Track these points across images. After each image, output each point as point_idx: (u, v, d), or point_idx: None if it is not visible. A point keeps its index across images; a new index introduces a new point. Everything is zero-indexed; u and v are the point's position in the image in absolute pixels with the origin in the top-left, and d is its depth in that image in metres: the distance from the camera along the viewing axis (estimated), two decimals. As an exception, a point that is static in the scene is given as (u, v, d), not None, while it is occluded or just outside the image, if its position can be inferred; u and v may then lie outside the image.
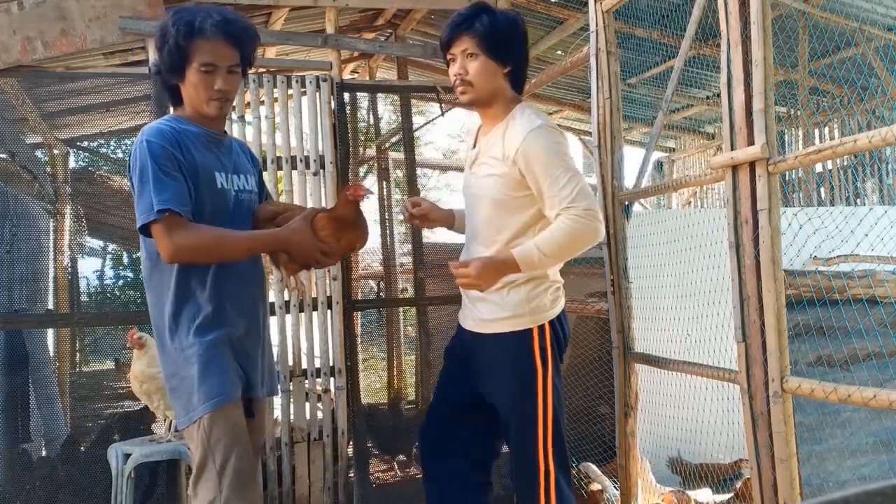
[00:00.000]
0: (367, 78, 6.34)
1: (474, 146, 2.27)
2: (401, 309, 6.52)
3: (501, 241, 2.16)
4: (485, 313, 2.20)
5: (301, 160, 3.78)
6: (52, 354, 4.94)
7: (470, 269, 2.02)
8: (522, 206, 2.13)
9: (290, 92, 3.82)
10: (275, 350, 3.68)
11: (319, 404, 3.74)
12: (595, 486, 3.36)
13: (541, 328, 2.15)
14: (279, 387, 3.70)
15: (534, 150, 2.05)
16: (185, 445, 3.01)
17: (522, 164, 2.07)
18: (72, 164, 5.28)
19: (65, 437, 4.39)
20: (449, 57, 2.19)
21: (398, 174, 7.52)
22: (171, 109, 2.12)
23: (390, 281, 5.96)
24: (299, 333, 3.77)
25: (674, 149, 8.61)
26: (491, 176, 2.15)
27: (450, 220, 2.41)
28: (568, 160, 2.08)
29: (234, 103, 3.82)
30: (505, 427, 2.22)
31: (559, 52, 5.73)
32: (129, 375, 2.96)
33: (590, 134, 4.74)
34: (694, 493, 3.31)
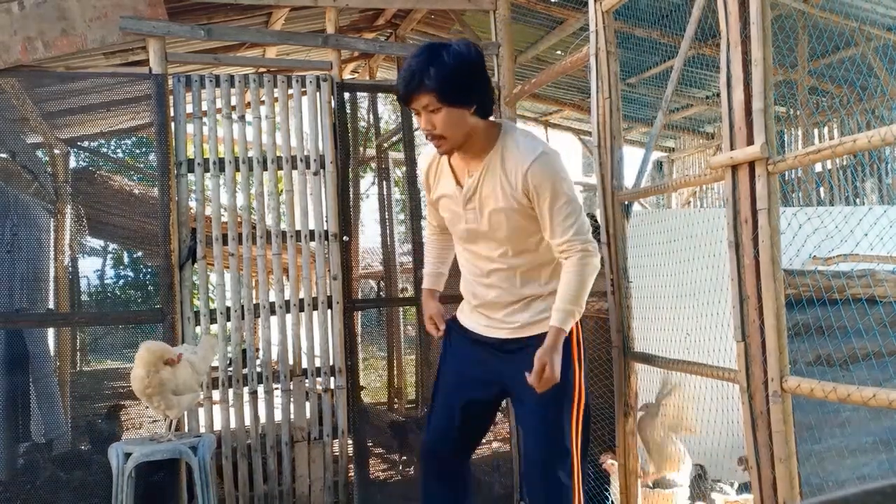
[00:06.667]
0: (367, 78, 6.35)
1: (458, 183, 2.23)
2: (401, 309, 6.52)
3: (515, 262, 2.24)
4: (520, 321, 2.28)
5: (301, 160, 3.79)
6: (52, 354, 4.94)
7: (549, 374, 2.09)
8: (532, 226, 2.21)
9: (290, 92, 3.83)
10: (275, 350, 3.71)
11: (320, 403, 3.75)
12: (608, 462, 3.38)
13: (575, 325, 2.26)
14: (280, 386, 3.71)
15: (538, 180, 2.10)
16: (184, 445, 3.02)
17: (530, 192, 2.12)
18: (72, 163, 5.29)
19: (65, 436, 4.40)
20: (412, 110, 2.14)
21: (398, 174, 7.52)
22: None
23: (390, 281, 5.96)
24: (300, 333, 3.77)
25: (673, 149, 8.61)
26: (501, 211, 2.16)
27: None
28: (569, 188, 2.16)
29: (234, 103, 3.85)
30: (540, 422, 2.27)
31: (559, 52, 5.73)
32: (136, 377, 2.94)
33: (590, 134, 4.75)
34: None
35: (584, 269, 2.14)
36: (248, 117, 3.95)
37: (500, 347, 2.32)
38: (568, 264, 2.15)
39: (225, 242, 3.66)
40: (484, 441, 4.94)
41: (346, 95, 4.02)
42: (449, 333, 2.48)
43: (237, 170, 3.72)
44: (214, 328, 3.77)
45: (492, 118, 2.20)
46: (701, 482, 3.32)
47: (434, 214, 2.48)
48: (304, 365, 3.81)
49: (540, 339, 2.19)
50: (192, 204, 3.70)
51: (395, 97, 6.54)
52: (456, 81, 2.03)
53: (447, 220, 2.35)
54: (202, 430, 3.57)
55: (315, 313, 3.81)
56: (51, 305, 5.04)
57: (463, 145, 2.15)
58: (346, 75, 6.02)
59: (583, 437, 2.31)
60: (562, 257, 2.17)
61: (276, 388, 3.71)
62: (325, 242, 3.82)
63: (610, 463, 3.29)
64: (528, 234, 2.20)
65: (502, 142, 2.15)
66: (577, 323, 2.28)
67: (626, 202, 3.04)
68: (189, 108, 3.77)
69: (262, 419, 3.67)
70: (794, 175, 6.19)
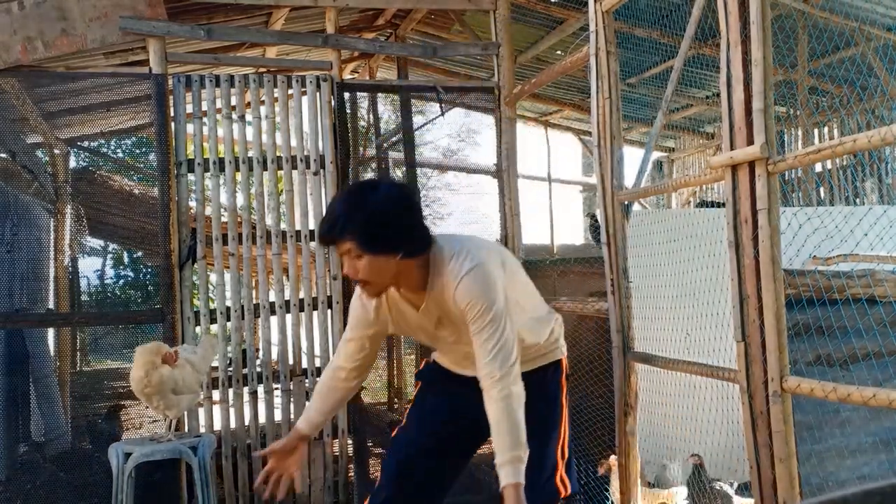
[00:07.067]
0: (367, 78, 6.35)
1: (417, 309, 2.13)
2: (401, 308, 6.50)
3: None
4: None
5: (301, 160, 3.79)
6: (52, 354, 4.94)
7: None
8: None
9: (290, 92, 3.83)
10: (275, 350, 3.71)
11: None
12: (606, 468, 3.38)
13: (565, 359, 2.28)
14: (280, 386, 3.71)
15: (464, 303, 1.98)
16: (184, 445, 3.02)
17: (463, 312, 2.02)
18: (72, 163, 5.29)
19: (65, 436, 4.40)
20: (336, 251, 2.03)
21: (398, 174, 7.51)
22: None
23: (390, 280, 5.94)
24: (300, 333, 3.77)
25: (673, 149, 8.61)
26: (460, 326, 2.08)
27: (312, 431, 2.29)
28: (495, 309, 1.98)
29: (234, 103, 3.85)
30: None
31: (559, 52, 5.73)
32: (135, 378, 2.95)
33: (590, 134, 4.75)
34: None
35: (509, 403, 1.97)
36: (248, 117, 3.95)
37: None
38: (491, 401, 1.99)
39: (225, 242, 3.66)
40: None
41: (346, 95, 4.02)
42: (422, 377, 2.41)
43: (237, 170, 3.72)
44: (214, 328, 3.77)
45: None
46: (701, 472, 3.31)
47: (347, 351, 2.24)
48: (304, 365, 3.81)
49: (537, 371, 2.21)
50: (192, 204, 3.70)
51: (395, 97, 6.50)
52: (379, 231, 1.91)
53: (424, 339, 2.25)
54: (202, 430, 3.57)
55: (315, 313, 3.81)
56: (51, 305, 5.04)
57: (396, 284, 2.05)
58: (346, 75, 6.02)
59: (567, 464, 2.27)
60: (483, 384, 2.01)
61: (276, 388, 3.71)
62: (325, 242, 3.81)
63: (613, 460, 3.29)
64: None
65: (434, 269, 2.03)
66: (565, 357, 2.28)
67: (626, 202, 3.04)
68: (189, 108, 3.78)
69: (262, 419, 3.67)
70: (794, 175, 6.19)
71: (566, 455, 2.28)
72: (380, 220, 1.91)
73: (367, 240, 1.91)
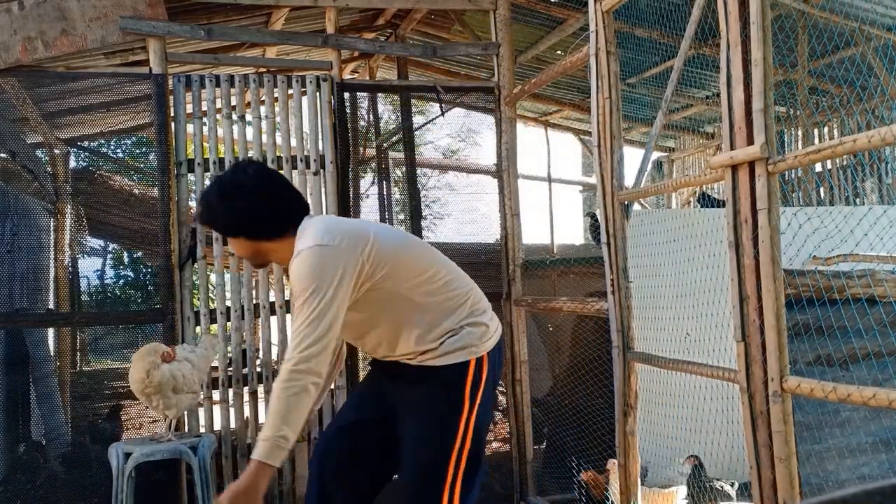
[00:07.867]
0: (367, 78, 6.35)
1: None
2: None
3: (375, 333, 2.21)
4: (413, 360, 2.20)
5: (301, 160, 3.79)
6: (52, 354, 4.95)
7: None
8: (363, 311, 2.13)
9: (290, 92, 3.83)
10: (275, 349, 3.71)
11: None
12: (588, 476, 3.39)
13: (478, 360, 2.16)
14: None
15: (292, 277, 2.05)
16: (184, 444, 3.03)
17: None
18: (72, 163, 5.29)
19: (65, 436, 4.39)
20: None
21: (398, 174, 7.53)
22: None
23: (390, 280, 5.95)
24: (299, 333, 3.77)
25: (673, 149, 8.60)
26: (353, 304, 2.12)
27: None
28: (315, 289, 1.96)
29: (234, 103, 3.85)
30: (415, 464, 2.17)
31: (559, 52, 5.73)
32: (135, 379, 2.95)
33: (590, 134, 4.75)
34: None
35: (287, 390, 1.94)
36: (248, 117, 3.95)
37: (395, 371, 2.24)
38: (277, 380, 1.98)
39: (225, 242, 3.66)
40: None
41: (346, 95, 4.02)
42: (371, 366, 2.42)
43: (237, 170, 3.72)
44: (214, 328, 3.77)
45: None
46: (700, 471, 3.31)
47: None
48: (304, 365, 3.81)
49: (437, 371, 2.13)
50: (192, 204, 3.71)
51: (395, 97, 6.49)
52: (223, 220, 2.15)
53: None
54: (202, 430, 3.57)
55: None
56: (51, 305, 5.05)
57: (267, 260, 2.23)
58: (346, 75, 6.02)
59: (463, 483, 2.15)
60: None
61: (276, 388, 3.71)
62: (325, 242, 3.81)
63: (611, 463, 3.29)
64: (361, 321, 2.14)
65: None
66: (478, 359, 2.15)
67: (626, 202, 3.04)
68: (189, 108, 3.78)
69: (262, 419, 3.67)
70: (794, 175, 6.19)
71: (462, 468, 2.14)
72: (224, 211, 2.12)
73: (217, 225, 2.20)
